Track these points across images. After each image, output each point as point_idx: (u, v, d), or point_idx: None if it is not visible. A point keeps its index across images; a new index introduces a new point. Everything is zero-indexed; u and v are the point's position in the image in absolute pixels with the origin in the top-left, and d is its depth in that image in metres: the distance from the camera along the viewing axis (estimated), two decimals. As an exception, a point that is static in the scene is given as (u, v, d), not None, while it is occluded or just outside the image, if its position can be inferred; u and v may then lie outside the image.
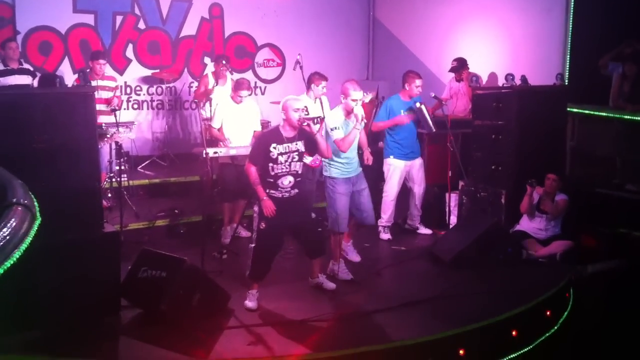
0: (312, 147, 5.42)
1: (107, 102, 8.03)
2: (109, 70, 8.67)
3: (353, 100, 5.88)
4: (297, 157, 5.32)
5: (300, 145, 5.33)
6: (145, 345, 4.64)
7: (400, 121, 7.26)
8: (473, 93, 7.91)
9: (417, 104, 7.23)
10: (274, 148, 5.23)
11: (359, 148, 6.22)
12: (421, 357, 4.77)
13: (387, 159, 7.46)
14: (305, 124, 5.28)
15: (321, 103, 7.44)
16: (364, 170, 6.28)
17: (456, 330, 4.94)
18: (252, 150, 5.47)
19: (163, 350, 4.54)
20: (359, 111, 5.84)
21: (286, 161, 5.26)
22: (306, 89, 7.23)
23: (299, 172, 5.36)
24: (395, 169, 7.40)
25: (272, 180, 5.26)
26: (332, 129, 5.94)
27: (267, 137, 5.41)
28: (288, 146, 5.27)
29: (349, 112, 5.95)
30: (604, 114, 8.07)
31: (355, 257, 6.53)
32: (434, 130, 7.31)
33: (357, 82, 6.07)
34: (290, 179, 5.29)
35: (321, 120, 6.42)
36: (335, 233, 6.08)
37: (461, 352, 4.85)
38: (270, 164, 5.23)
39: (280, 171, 5.25)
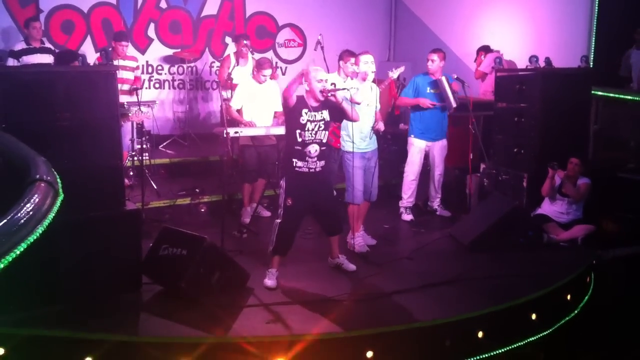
0: (338, 115, 5.45)
1: (128, 82, 8.06)
2: (130, 51, 8.68)
3: (364, 63, 6.19)
4: (322, 126, 5.34)
5: (325, 115, 5.36)
6: (165, 322, 4.68)
7: (423, 103, 7.24)
8: (496, 75, 7.81)
9: (442, 77, 7.20)
10: (305, 113, 5.27)
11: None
12: (439, 339, 4.77)
13: (409, 138, 7.49)
14: (331, 95, 5.28)
15: None
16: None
17: (475, 313, 4.93)
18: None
19: (182, 326, 4.58)
20: (369, 70, 6.16)
21: (313, 129, 5.28)
22: (339, 67, 7.16)
23: (324, 141, 5.38)
24: (415, 148, 7.40)
25: (300, 148, 5.28)
26: (348, 89, 5.98)
27: (299, 100, 5.38)
28: (314, 115, 5.31)
29: (363, 78, 6.20)
30: (628, 97, 7.96)
31: (370, 241, 6.53)
32: (455, 105, 7.25)
33: (368, 51, 6.39)
34: (317, 147, 5.31)
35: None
36: (351, 205, 6.20)
37: (480, 334, 4.85)
38: (298, 131, 5.26)
39: (307, 138, 5.27)
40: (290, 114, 5.32)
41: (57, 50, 8.59)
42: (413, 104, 7.37)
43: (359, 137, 6.05)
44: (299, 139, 5.27)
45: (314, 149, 5.31)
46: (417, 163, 7.41)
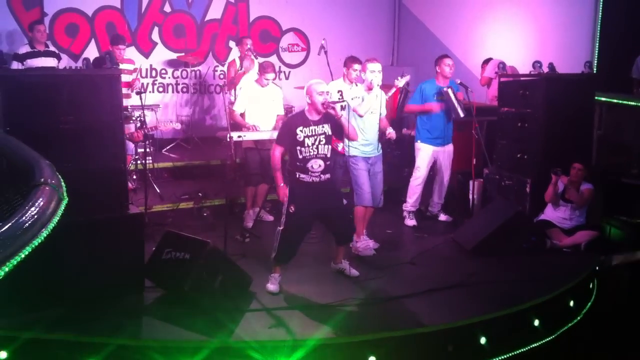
0: (339, 130, 5.42)
1: (127, 85, 8.08)
2: (128, 53, 8.70)
3: (371, 72, 6.13)
4: (324, 140, 5.29)
5: (327, 129, 5.32)
6: (168, 326, 4.69)
7: (430, 108, 7.25)
8: (499, 80, 7.81)
9: (445, 88, 7.19)
10: (301, 131, 5.22)
11: (380, 132, 6.31)
12: (441, 344, 4.76)
13: (416, 143, 7.49)
14: (330, 107, 5.24)
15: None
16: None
17: (477, 318, 4.92)
18: (279, 132, 5.49)
19: (185, 330, 4.58)
20: (375, 80, 6.10)
21: (313, 144, 5.24)
22: (343, 74, 7.16)
23: (328, 155, 5.33)
24: (423, 153, 7.39)
25: (301, 164, 5.25)
26: (352, 98, 6.00)
27: (293, 120, 5.42)
28: (314, 129, 5.26)
29: (369, 88, 6.14)
30: (632, 102, 7.95)
31: (372, 245, 6.53)
32: (462, 115, 7.24)
33: (376, 59, 6.35)
34: (320, 162, 5.26)
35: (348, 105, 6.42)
36: (358, 207, 6.22)
37: (482, 340, 4.84)
38: (298, 147, 5.23)
39: (307, 154, 5.23)
40: (284, 139, 5.33)
41: (61, 54, 8.62)
42: (422, 110, 7.35)
43: (361, 143, 6.05)
44: (300, 156, 5.24)
45: (317, 164, 5.25)
46: (426, 168, 7.41)
